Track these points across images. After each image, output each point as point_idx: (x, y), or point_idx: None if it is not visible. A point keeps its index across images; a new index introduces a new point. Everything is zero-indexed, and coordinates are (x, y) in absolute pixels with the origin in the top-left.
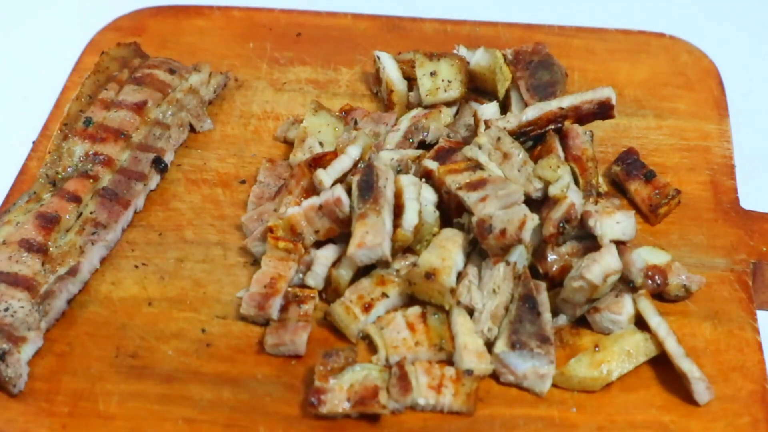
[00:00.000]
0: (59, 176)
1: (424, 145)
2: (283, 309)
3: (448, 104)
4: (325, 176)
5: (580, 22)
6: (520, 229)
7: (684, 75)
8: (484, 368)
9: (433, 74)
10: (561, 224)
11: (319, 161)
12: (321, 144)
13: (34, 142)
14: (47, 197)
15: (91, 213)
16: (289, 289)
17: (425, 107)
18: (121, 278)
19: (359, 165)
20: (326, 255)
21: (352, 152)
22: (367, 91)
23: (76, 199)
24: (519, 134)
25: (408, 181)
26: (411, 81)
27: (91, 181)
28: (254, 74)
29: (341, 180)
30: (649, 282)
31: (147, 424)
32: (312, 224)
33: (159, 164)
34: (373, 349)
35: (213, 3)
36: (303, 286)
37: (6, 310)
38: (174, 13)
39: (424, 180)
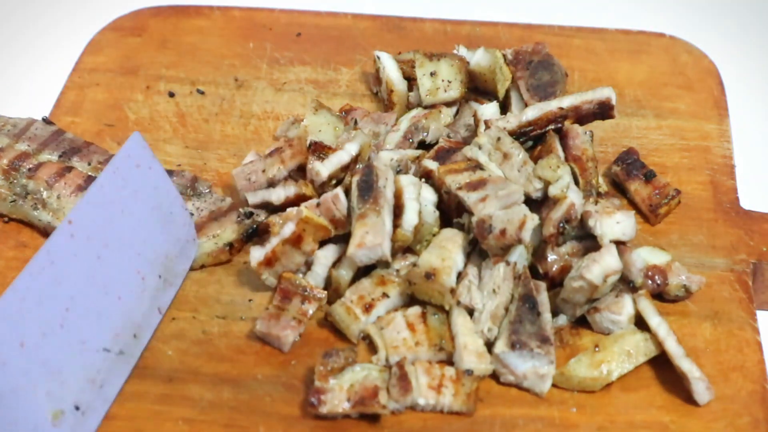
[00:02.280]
0: (19, 191)
1: (424, 145)
2: (285, 297)
3: (448, 104)
4: (322, 168)
5: (580, 22)
6: (520, 229)
7: (684, 75)
8: (484, 368)
9: (433, 74)
10: (561, 224)
11: (320, 147)
12: None
13: None
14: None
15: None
16: (301, 280)
17: (425, 107)
18: None
19: (358, 165)
20: (326, 255)
21: (350, 149)
22: (367, 91)
23: (67, 169)
24: (519, 134)
25: (408, 181)
26: (411, 81)
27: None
28: (254, 74)
29: (337, 178)
30: (649, 282)
31: (147, 424)
32: None
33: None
34: (373, 349)
35: (213, 3)
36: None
37: None
38: (174, 12)
39: (424, 180)
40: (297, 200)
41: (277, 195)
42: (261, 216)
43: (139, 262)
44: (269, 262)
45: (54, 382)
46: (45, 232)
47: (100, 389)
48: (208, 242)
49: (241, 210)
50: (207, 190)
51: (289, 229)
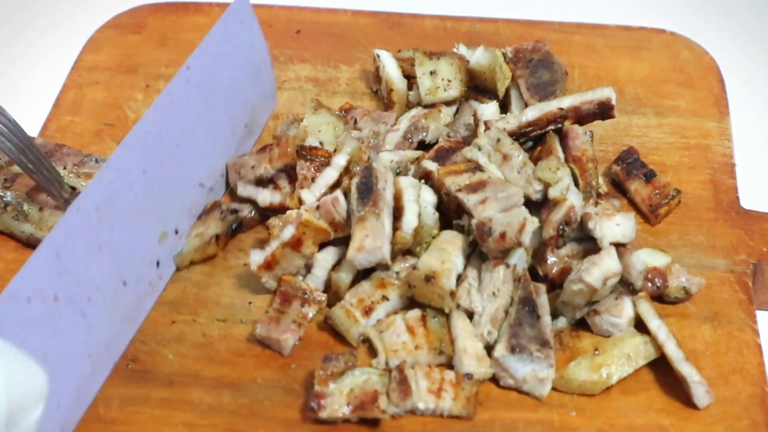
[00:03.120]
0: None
1: (423, 145)
2: (285, 300)
3: (448, 103)
4: (309, 195)
5: (580, 19)
6: (519, 232)
7: (685, 72)
8: (483, 372)
9: (432, 73)
10: (561, 226)
11: (307, 151)
12: (321, 143)
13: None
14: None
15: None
16: (301, 282)
17: (425, 106)
18: None
19: (354, 168)
20: (326, 258)
21: (338, 162)
22: (366, 89)
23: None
24: (519, 135)
25: (407, 183)
26: (411, 79)
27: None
28: None
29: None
30: (649, 284)
31: (147, 428)
32: None
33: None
34: (373, 352)
35: (212, 0)
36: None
37: None
38: (173, 9)
39: (423, 181)
40: (280, 208)
41: (263, 197)
42: (245, 211)
43: (232, 110)
44: (269, 265)
45: (163, 207)
46: (28, 243)
47: (194, 218)
48: (194, 239)
49: (224, 207)
50: None
51: (288, 232)
